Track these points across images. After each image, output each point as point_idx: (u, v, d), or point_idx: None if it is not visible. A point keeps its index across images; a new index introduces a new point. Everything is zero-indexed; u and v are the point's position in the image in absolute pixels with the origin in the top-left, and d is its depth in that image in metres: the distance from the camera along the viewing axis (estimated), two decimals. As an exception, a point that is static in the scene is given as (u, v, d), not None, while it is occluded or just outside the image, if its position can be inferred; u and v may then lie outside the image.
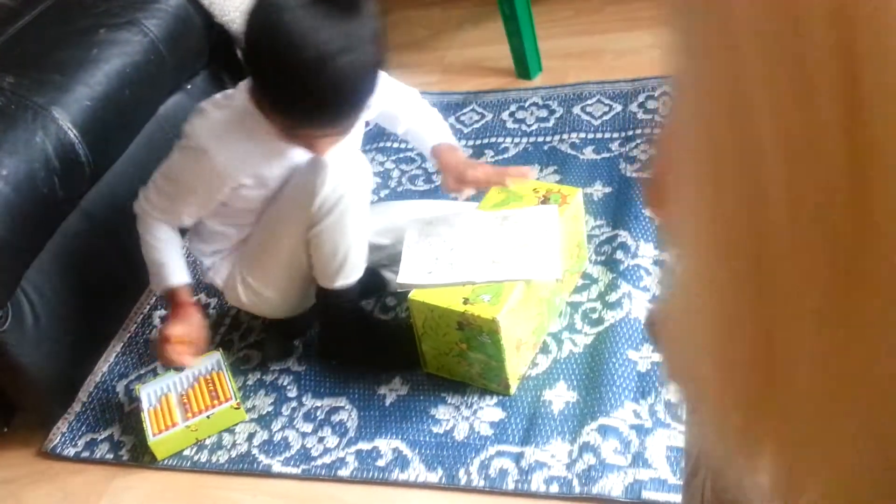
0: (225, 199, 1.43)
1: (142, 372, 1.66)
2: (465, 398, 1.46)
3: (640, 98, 2.02)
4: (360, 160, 1.44)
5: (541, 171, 1.90)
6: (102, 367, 1.70)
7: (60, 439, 1.57)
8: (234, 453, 1.48)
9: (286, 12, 1.19)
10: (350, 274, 1.47)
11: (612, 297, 1.54)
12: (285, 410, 1.53)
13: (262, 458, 1.46)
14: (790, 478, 0.34)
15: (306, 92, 1.23)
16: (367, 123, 1.77)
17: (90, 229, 1.65)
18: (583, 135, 1.97)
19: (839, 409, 0.30)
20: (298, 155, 1.41)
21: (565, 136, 1.98)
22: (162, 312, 1.76)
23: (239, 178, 1.40)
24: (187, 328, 1.46)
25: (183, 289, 1.48)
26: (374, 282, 1.65)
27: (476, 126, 2.09)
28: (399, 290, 1.65)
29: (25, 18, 1.75)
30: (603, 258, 1.64)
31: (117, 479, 1.50)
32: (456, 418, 1.43)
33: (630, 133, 1.93)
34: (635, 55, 2.19)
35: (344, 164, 1.40)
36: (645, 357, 1.44)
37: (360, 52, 1.22)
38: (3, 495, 1.53)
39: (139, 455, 1.51)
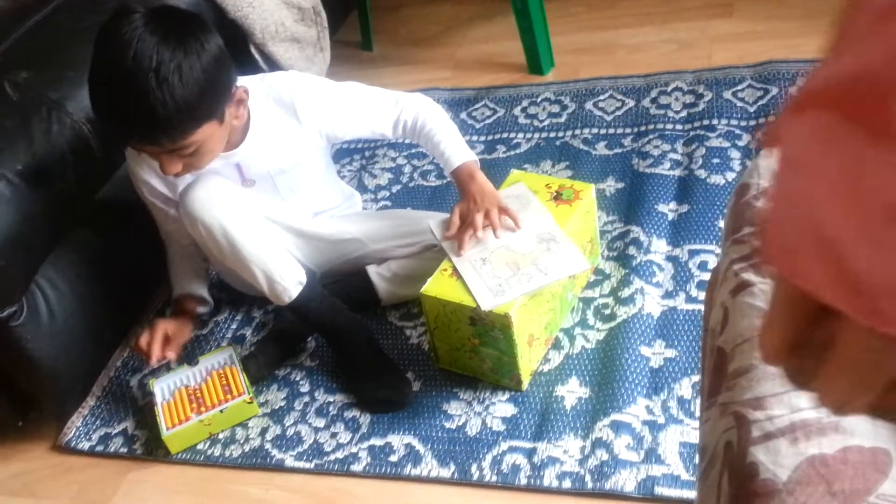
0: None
1: (155, 366, 1.66)
2: (478, 393, 1.46)
3: (653, 93, 2.01)
4: (220, 191, 1.45)
5: (553, 166, 1.90)
6: (116, 361, 1.71)
7: (75, 433, 1.58)
8: (247, 447, 1.48)
9: (124, 23, 1.29)
10: (280, 294, 1.48)
11: (625, 293, 1.54)
12: (298, 405, 1.53)
13: (274, 452, 1.47)
14: None
15: (91, 87, 1.33)
16: (334, 145, 1.76)
17: (105, 224, 1.66)
18: (595, 130, 1.96)
19: None
20: (183, 182, 1.49)
21: (577, 132, 1.97)
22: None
23: (157, 201, 1.57)
24: (174, 326, 1.57)
25: (182, 298, 1.63)
26: (365, 297, 1.63)
27: (488, 122, 2.09)
28: (388, 304, 1.65)
29: (39, 14, 1.76)
30: (615, 254, 1.63)
31: (131, 472, 1.51)
32: (468, 414, 1.44)
33: (643, 128, 1.92)
34: (648, 50, 2.19)
35: (199, 198, 1.43)
36: (658, 353, 1.43)
37: (151, 76, 1.26)
38: (19, 488, 1.54)
39: (153, 449, 1.52)
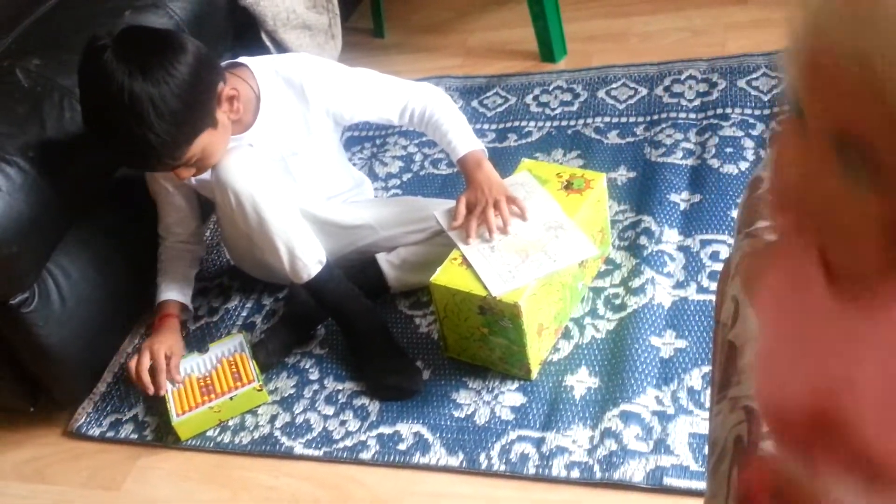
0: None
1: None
2: (487, 383, 1.46)
3: (666, 81, 1.99)
4: (254, 163, 1.45)
5: (564, 155, 1.89)
6: (127, 348, 1.72)
7: (86, 419, 1.59)
8: (256, 435, 1.49)
9: (98, 58, 1.31)
10: (300, 270, 1.48)
11: (635, 283, 1.53)
12: (307, 393, 1.54)
13: (284, 439, 1.47)
14: None
15: (85, 126, 1.38)
16: (343, 129, 1.76)
17: (116, 211, 1.66)
18: (607, 119, 1.95)
19: None
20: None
21: (589, 121, 1.96)
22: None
23: (171, 187, 1.59)
24: (170, 342, 1.54)
25: (165, 304, 1.61)
26: (374, 284, 1.62)
27: (499, 110, 2.08)
28: (397, 291, 1.65)
29: (51, 1, 1.76)
30: (626, 243, 1.62)
31: (142, 458, 1.52)
32: (477, 403, 1.43)
33: (655, 117, 1.91)
34: (661, 38, 2.17)
35: (234, 167, 1.43)
36: (668, 343, 1.43)
37: (122, 107, 1.28)
38: (30, 473, 1.55)
39: (163, 435, 1.53)
